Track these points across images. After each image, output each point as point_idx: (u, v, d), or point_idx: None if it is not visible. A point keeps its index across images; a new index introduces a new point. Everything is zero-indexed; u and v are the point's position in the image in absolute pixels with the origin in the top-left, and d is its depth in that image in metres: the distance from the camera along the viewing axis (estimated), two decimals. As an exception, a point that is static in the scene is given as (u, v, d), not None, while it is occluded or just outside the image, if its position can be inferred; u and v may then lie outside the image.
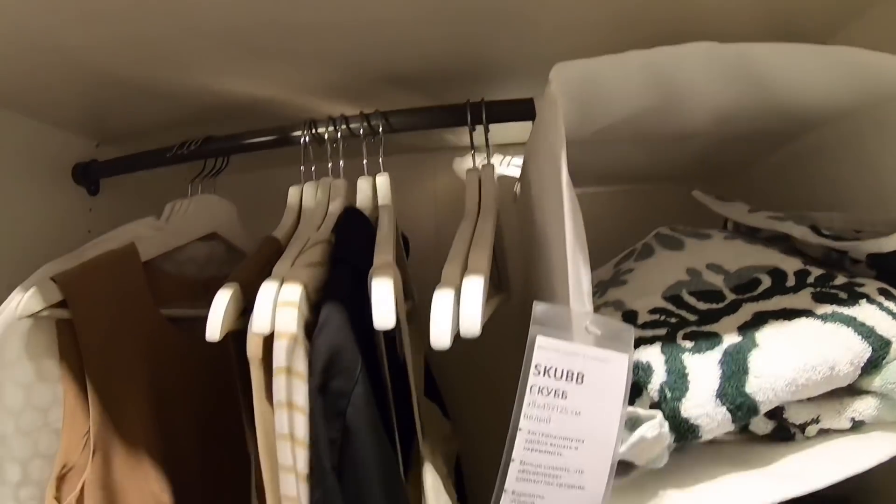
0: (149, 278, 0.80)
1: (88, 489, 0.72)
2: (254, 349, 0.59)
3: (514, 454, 0.42)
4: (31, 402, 0.75)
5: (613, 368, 0.43)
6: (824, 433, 0.56)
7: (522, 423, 0.42)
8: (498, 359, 0.93)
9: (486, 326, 1.03)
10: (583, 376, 0.42)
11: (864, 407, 0.55)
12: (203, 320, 0.67)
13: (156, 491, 0.76)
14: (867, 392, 0.55)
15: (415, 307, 0.84)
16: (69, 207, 1.04)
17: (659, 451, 0.49)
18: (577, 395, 0.42)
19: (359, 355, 0.58)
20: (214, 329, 0.61)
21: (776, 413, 0.55)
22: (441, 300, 0.52)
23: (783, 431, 0.56)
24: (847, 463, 0.52)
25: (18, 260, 0.74)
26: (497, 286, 0.82)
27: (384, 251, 0.64)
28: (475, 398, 0.99)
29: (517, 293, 0.88)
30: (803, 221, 0.73)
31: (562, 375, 0.42)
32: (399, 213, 0.77)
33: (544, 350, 0.42)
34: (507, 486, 0.43)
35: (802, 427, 0.55)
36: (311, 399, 0.57)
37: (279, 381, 0.57)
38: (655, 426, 0.46)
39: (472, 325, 0.50)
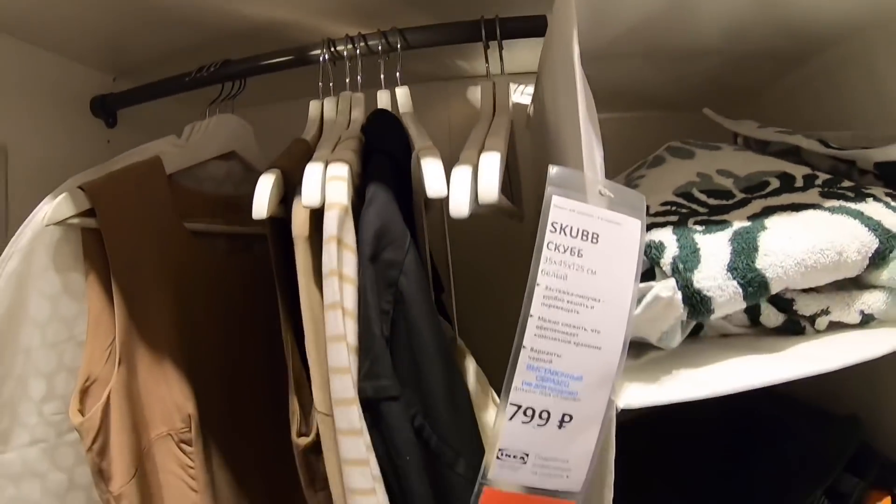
0: (171, 192, 0.82)
1: (113, 399, 0.74)
2: (300, 226, 0.60)
3: (532, 310, 0.44)
4: (58, 314, 0.77)
5: (627, 232, 0.45)
6: (834, 326, 0.58)
7: (540, 278, 0.43)
8: (509, 282, 0.94)
9: (497, 248, 1.04)
10: (597, 236, 0.44)
11: (873, 300, 0.56)
12: (223, 236, 0.69)
13: (179, 400, 0.79)
14: (876, 286, 0.57)
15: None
16: (87, 140, 1.06)
17: (672, 323, 0.51)
18: (592, 254, 0.44)
19: (407, 229, 0.59)
20: (261, 207, 0.62)
21: (786, 306, 0.57)
22: (460, 173, 0.54)
23: (793, 324, 0.58)
24: (857, 350, 0.53)
25: (35, 192, 0.75)
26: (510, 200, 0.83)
27: (423, 139, 0.66)
28: (484, 320, 1.01)
29: (530, 216, 0.90)
30: (812, 137, 0.74)
31: (577, 234, 0.44)
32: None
33: (560, 209, 0.43)
34: (525, 342, 0.44)
35: (812, 319, 0.57)
36: (362, 271, 0.58)
37: (330, 250, 0.57)
38: (669, 287, 0.48)
39: (489, 192, 0.53)
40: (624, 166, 0.83)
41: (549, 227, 0.43)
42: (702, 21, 0.72)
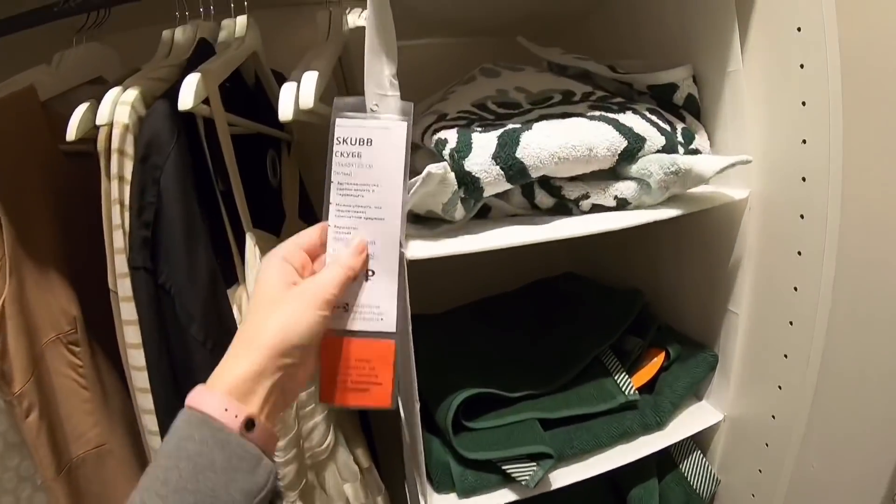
0: (46, 118, 0.89)
1: (8, 308, 0.83)
2: (102, 141, 0.77)
3: (331, 199, 0.59)
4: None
5: (395, 133, 0.59)
6: (597, 209, 0.73)
7: (333, 176, 0.59)
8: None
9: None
10: (371, 140, 0.58)
11: (624, 188, 0.71)
12: (94, 155, 0.78)
13: (64, 304, 0.89)
14: (628, 178, 0.72)
15: (295, 142, 1.02)
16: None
17: (450, 197, 0.66)
18: (368, 153, 0.58)
19: (174, 137, 0.74)
20: (71, 130, 0.79)
21: (556, 191, 0.71)
22: (287, 88, 0.73)
23: (562, 206, 0.73)
24: (606, 222, 0.69)
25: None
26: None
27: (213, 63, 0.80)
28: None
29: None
30: (603, 63, 0.87)
31: (355, 142, 0.58)
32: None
33: (341, 126, 0.58)
34: (330, 221, 0.59)
35: (577, 202, 0.72)
36: (134, 172, 0.74)
37: (114, 160, 0.76)
38: (441, 167, 0.63)
39: (306, 101, 0.72)
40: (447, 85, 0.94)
41: (335, 141, 0.58)
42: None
